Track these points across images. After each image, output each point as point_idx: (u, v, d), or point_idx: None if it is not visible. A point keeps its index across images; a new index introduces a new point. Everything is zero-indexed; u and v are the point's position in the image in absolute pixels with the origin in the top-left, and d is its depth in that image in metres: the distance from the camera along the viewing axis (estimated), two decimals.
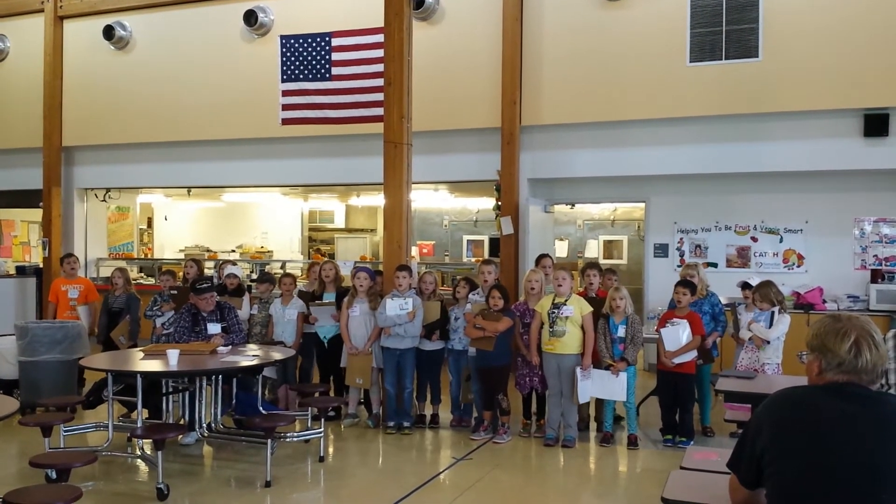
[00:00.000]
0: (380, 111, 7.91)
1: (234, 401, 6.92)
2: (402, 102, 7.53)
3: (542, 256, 8.20)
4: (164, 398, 6.65)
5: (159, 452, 5.36)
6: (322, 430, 6.42)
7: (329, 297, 7.85)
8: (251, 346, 7.09)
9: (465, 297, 7.35)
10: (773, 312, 6.70)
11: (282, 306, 7.78)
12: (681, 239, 10.33)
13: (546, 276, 7.36)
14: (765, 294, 6.78)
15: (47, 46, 12.89)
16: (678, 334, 6.70)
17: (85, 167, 13.25)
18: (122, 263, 12.20)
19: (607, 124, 10.06)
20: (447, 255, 13.88)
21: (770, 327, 6.70)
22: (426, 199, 13.32)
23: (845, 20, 8.99)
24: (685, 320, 6.74)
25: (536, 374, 6.99)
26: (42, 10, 12.94)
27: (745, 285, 7.48)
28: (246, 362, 6.28)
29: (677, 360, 6.69)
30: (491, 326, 6.80)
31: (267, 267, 13.05)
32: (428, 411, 7.59)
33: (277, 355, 6.70)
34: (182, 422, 6.71)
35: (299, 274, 12.16)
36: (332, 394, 7.66)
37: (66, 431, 6.09)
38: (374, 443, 6.99)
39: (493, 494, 5.68)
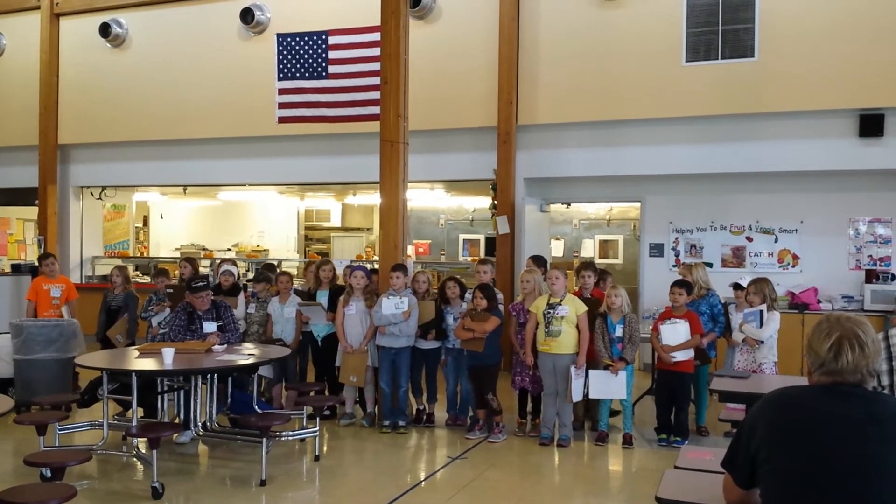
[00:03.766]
0: (376, 110, 7.91)
1: (229, 399, 6.91)
2: (399, 101, 7.53)
3: (529, 258, 8.26)
4: (160, 397, 6.65)
5: (154, 451, 5.36)
6: (317, 428, 6.43)
7: (322, 294, 7.84)
8: (247, 344, 7.08)
9: (458, 297, 7.36)
10: (761, 311, 6.71)
11: (280, 305, 7.78)
12: (676, 239, 10.34)
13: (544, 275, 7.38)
14: (759, 288, 6.79)
15: (43, 44, 12.87)
16: (678, 331, 6.71)
17: (81, 165, 13.22)
18: (121, 262, 12.19)
19: (603, 124, 10.07)
20: (443, 254, 13.87)
21: (760, 326, 6.71)
22: (422, 198, 13.31)
23: (841, 21, 9.00)
24: (685, 319, 6.75)
25: (528, 374, 7.01)
26: (38, 8, 12.91)
27: (736, 286, 7.49)
28: (241, 361, 6.28)
29: (676, 357, 6.69)
30: (479, 327, 6.82)
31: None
32: (424, 406, 7.59)
33: (274, 354, 6.70)
34: (177, 420, 6.71)
35: (295, 273, 12.14)
36: (326, 393, 7.65)
37: (60, 430, 6.08)
38: (370, 442, 6.99)
39: (488, 494, 5.68)
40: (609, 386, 6.76)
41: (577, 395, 6.75)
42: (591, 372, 6.77)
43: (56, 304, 8.88)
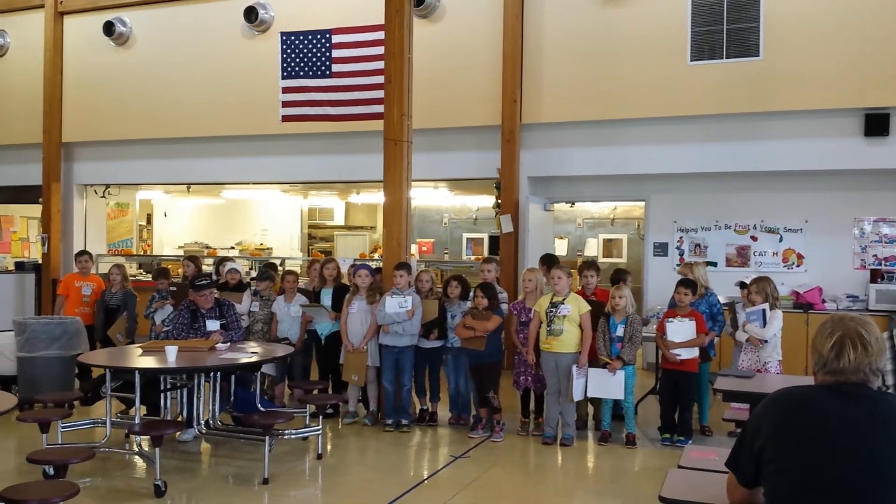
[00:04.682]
0: (380, 108, 7.90)
1: (232, 398, 6.91)
2: (403, 100, 7.52)
3: (541, 257, 8.24)
4: (163, 395, 6.65)
5: (157, 449, 5.36)
6: (320, 427, 6.43)
7: (326, 293, 7.83)
8: (250, 343, 7.08)
9: (458, 297, 7.35)
10: (763, 311, 6.69)
11: (285, 303, 7.78)
12: (680, 238, 10.32)
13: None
14: (762, 287, 6.79)
15: (47, 42, 12.89)
16: (684, 329, 6.70)
17: (84, 163, 13.24)
18: (121, 260, 12.21)
19: (607, 123, 10.05)
20: (447, 253, 13.87)
21: (764, 326, 6.69)
22: (426, 197, 13.31)
23: (846, 20, 8.98)
24: (690, 318, 6.74)
25: (531, 374, 6.99)
26: (42, 6, 12.94)
27: (742, 284, 7.48)
28: (244, 359, 6.28)
29: (681, 356, 6.67)
30: (481, 326, 6.81)
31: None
32: (428, 406, 7.58)
33: (278, 352, 6.70)
34: (180, 418, 6.70)
35: (299, 271, 12.14)
36: (330, 391, 7.65)
37: (63, 428, 6.08)
38: (372, 440, 6.98)
39: (490, 493, 5.66)
40: (607, 385, 6.74)
41: (577, 395, 6.74)
42: (590, 370, 6.76)
43: (87, 301, 8.89)
